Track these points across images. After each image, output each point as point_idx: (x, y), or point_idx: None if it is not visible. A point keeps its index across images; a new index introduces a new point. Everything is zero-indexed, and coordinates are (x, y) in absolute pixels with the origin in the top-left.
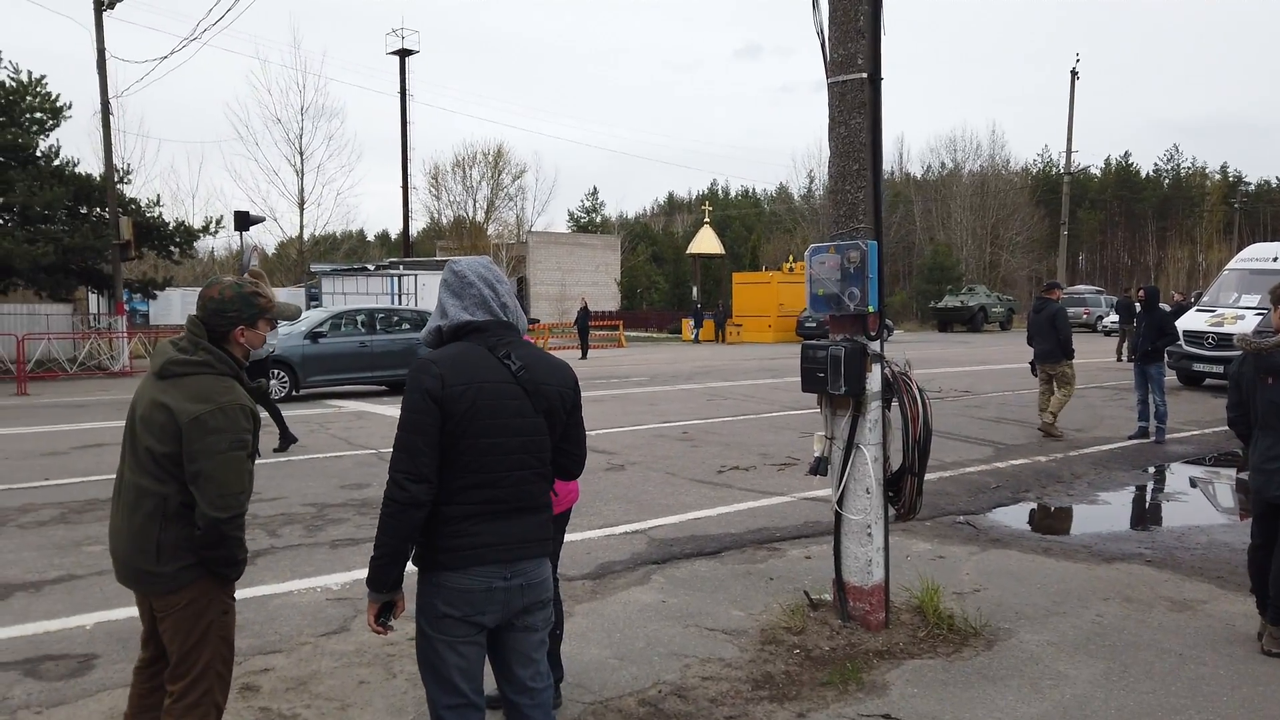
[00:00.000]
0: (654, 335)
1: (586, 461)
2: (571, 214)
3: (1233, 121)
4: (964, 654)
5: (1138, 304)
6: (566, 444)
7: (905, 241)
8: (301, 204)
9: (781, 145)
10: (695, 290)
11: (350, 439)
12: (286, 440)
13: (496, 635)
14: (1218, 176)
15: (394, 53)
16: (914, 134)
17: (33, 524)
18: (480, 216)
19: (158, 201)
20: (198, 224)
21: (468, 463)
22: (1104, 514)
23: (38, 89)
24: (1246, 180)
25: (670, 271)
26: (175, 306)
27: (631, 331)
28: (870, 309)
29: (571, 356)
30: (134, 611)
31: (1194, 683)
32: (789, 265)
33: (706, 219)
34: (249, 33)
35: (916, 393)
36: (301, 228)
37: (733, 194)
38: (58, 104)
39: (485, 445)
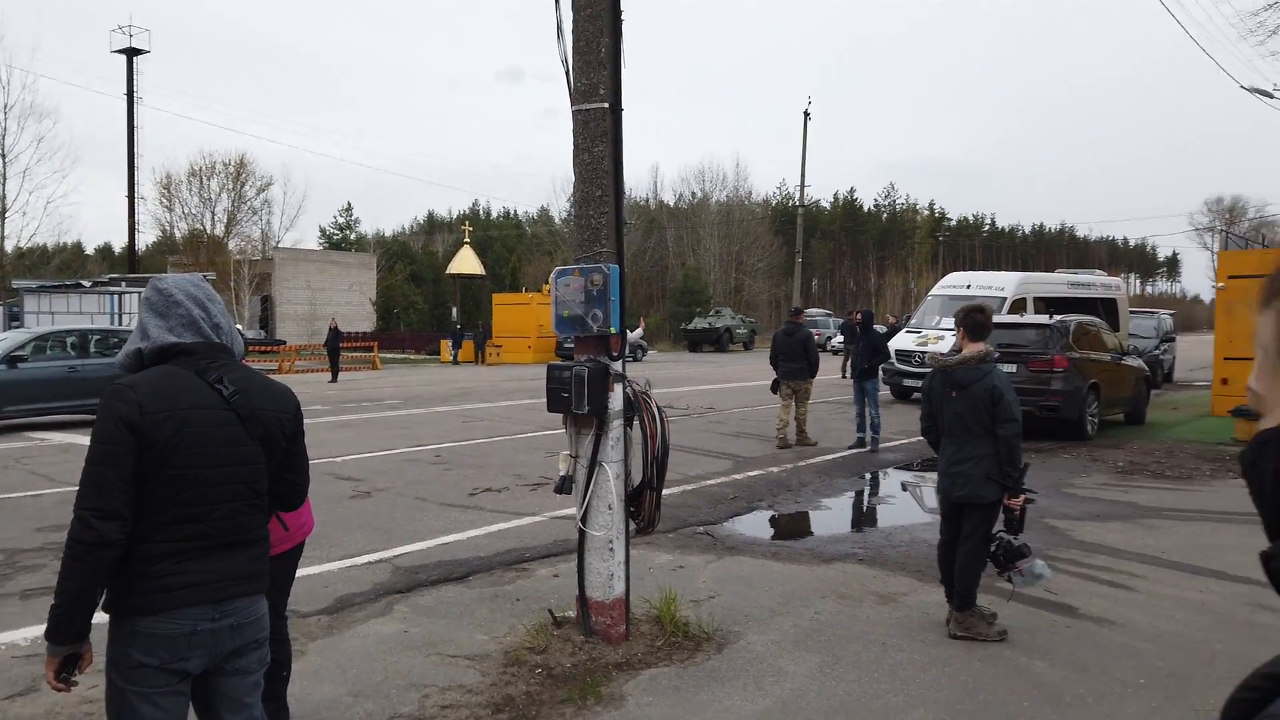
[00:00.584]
0: (411, 357)
1: (330, 490)
2: (324, 230)
3: (939, 164)
4: (697, 659)
5: (858, 326)
6: (287, 473)
7: (659, 265)
8: (2, 212)
9: (544, 169)
10: (455, 311)
11: (53, 475)
12: None
13: (204, 681)
14: (926, 213)
15: (120, 51)
16: (667, 164)
17: None
18: (220, 230)
19: None
20: None
21: (170, 496)
22: (826, 518)
23: None
24: (949, 216)
25: (430, 291)
26: None
27: (388, 353)
28: (612, 330)
29: (322, 379)
30: None
31: (894, 669)
32: (548, 287)
33: (467, 239)
34: None
35: (655, 411)
36: (2, 239)
37: (494, 215)
38: None
39: (191, 476)
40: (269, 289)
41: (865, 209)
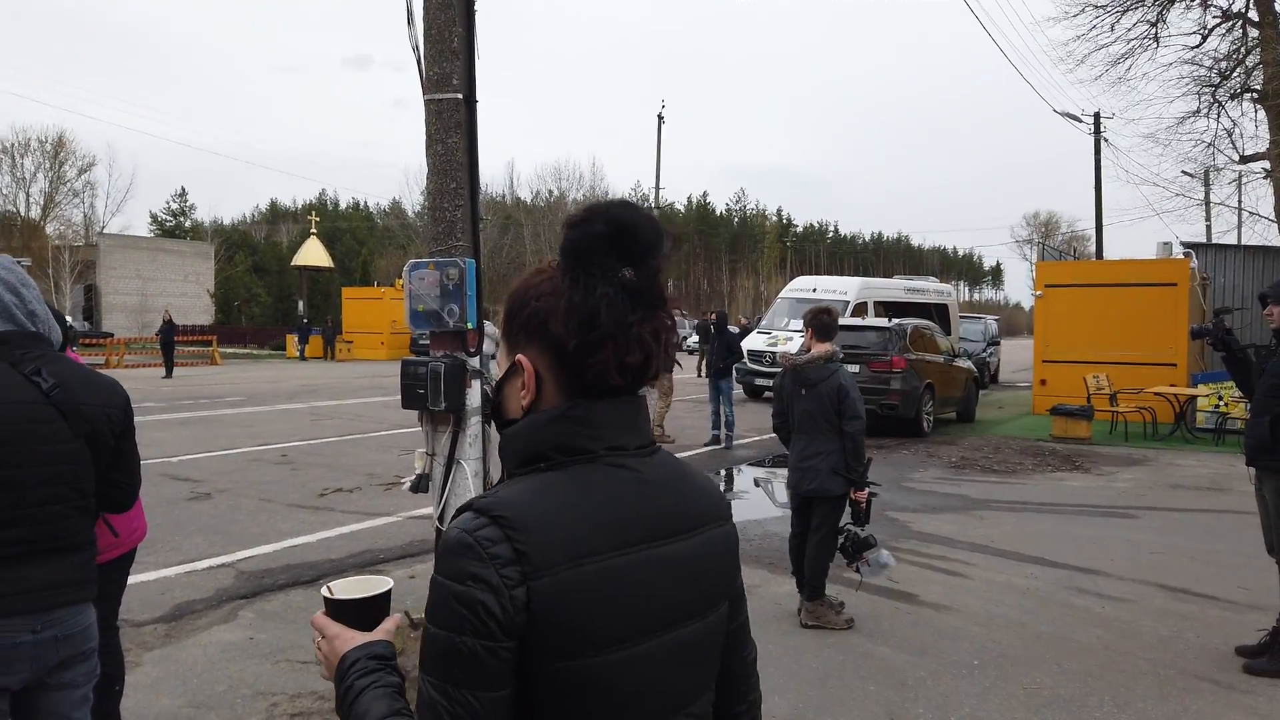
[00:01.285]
0: (255, 352)
1: (166, 492)
2: (155, 216)
3: (786, 173)
4: None
5: (712, 327)
6: (116, 472)
7: (517, 262)
8: None
9: (395, 160)
10: (301, 305)
11: None
12: None
13: (26, 697)
14: (774, 219)
15: None
16: (524, 161)
17: None
18: (36, 213)
19: None
20: None
21: None
22: None
23: None
24: (795, 223)
25: (274, 284)
26: None
27: (228, 348)
28: (469, 326)
29: (154, 374)
30: None
31: None
32: (401, 281)
33: (314, 230)
34: None
35: None
36: None
37: (343, 205)
38: None
39: (7, 477)
40: (93, 278)
41: (718, 213)
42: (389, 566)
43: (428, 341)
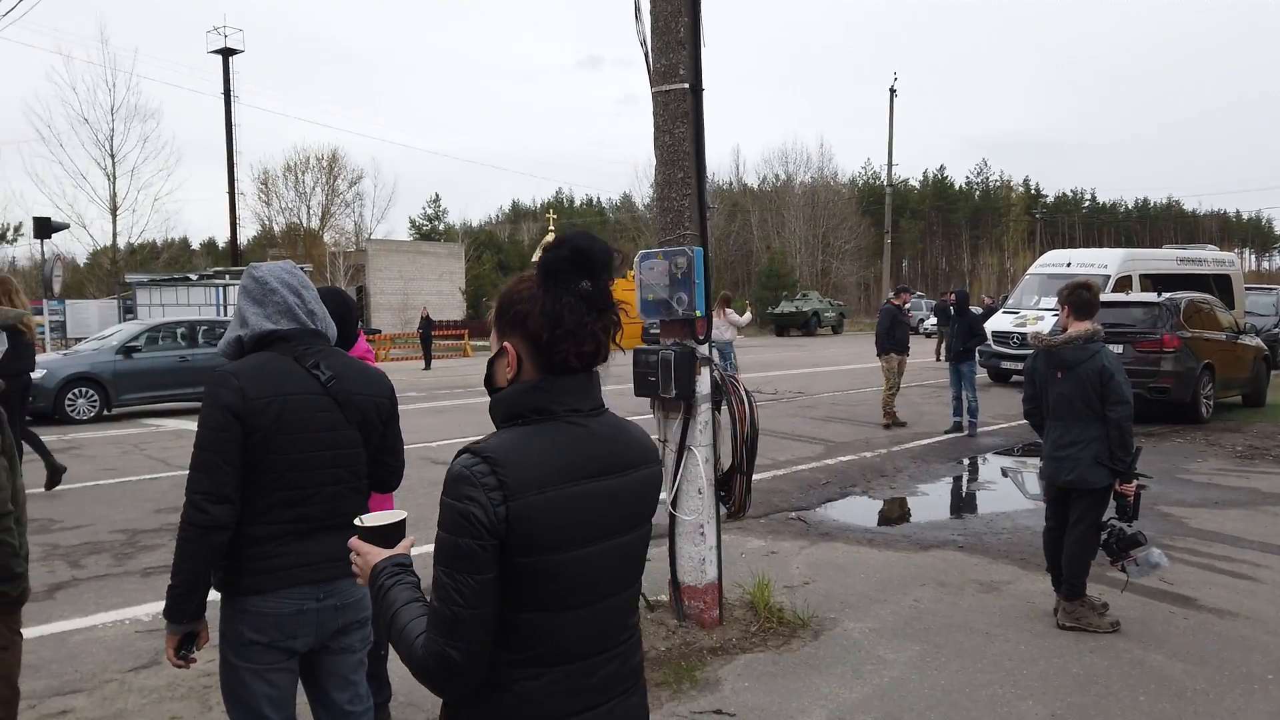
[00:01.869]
0: None
1: (427, 475)
2: (413, 221)
3: (1033, 139)
4: (793, 645)
5: (952, 308)
6: (384, 455)
7: (744, 249)
8: (114, 210)
9: (625, 155)
10: None
11: (168, 459)
12: (54, 474)
13: (310, 659)
14: (1021, 189)
15: (216, 51)
16: (749, 146)
17: None
18: (315, 224)
19: None
20: None
21: (274, 480)
22: (922, 504)
23: None
24: (1045, 193)
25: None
26: None
27: (477, 341)
28: (697, 314)
29: (415, 366)
30: None
31: (998, 659)
32: (633, 273)
33: (551, 227)
34: (48, 26)
35: (744, 394)
36: (115, 236)
37: (577, 202)
38: None
39: (293, 460)
40: (363, 280)
41: (956, 187)
42: None
43: (659, 330)
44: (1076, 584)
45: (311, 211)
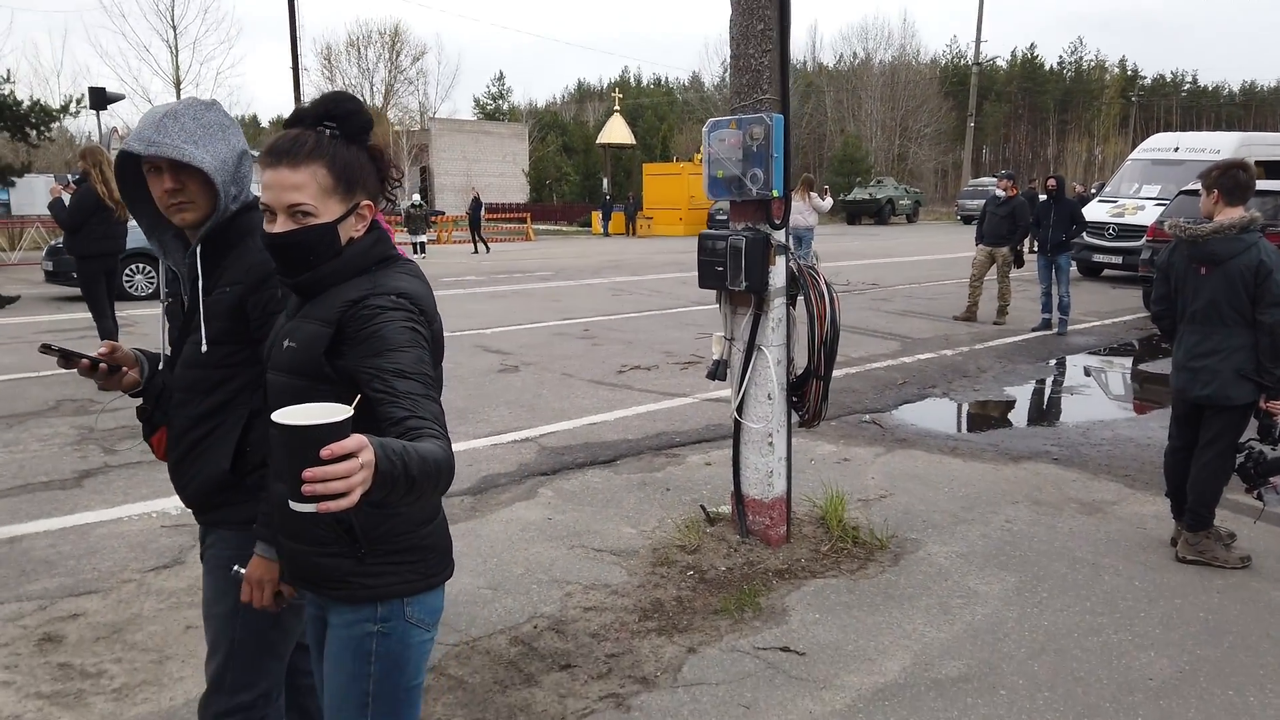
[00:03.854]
0: (563, 228)
1: (479, 363)
2: (477, 100)
3: (1134, 14)
4: (869, 570)
5: (1045, 195)
6: None
7: (817, 133)
8: (178, 83)
9: (695, 32)
10: (605, 182)
11: None
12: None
13: None
14: (1116, 70)
15: None
16: (827, 21)
17: None
18: (379, 101)
19: (8, 78)
20: (58, 104)
21: None
22: (1010, 410)
23: None
24: (1143, 74)
25: (581, 162)
26: (39, 194)
27: (540, 224)
28: (775, 193)
29: (465, 250)
30: None
31: (1110, 597)
32: (700, 156)
33: (617, 107)
34: None
35: (825, 289)
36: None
37: (645, 82)
38: None
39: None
40: (426, 160)
41: (1047, 68)
42: (685, 451)
43: (725, 216)
44: (1203, 513)
45: (375, 89)
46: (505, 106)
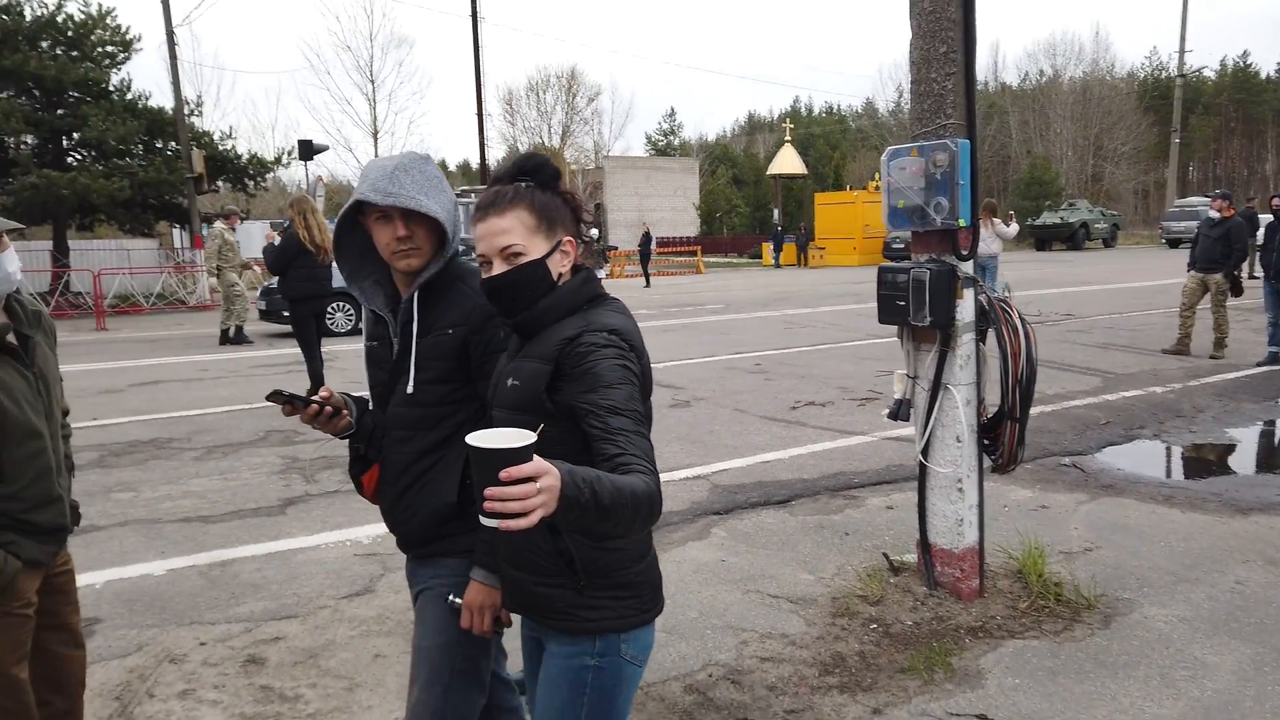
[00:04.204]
0: (733, 260)
1: (653, 398)
2: (649, 137)
3: None
4: (1075, 633)
5: (1271, 215)
6: None
7: (1000, 155)
8: (375, 133)
9: (868, 58)
10: (776, 213)
11: None
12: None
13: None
14: None
15: None
16: (1010, 41)
17: None
18: (556, 142)
19: (230, 134)
20: (272, 156)
21: None
22: (1234, 454)
23: (106, 21)
24: None
25: (751, 194)
26: (255, 239)
27: (710, 257)
28: (961, 223)
29: (636, 283)
30: (148, 569)
31: None
32: (875, 184)
33: (788, 137)
34: None
35: (1019, 323)
36: (376, 157)
37: (815, 111)
38: (127, 36)
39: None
40: (600, 197)
41: (1263, 76)
42: (864, 493)
43: (901, 246)
44: None
45: (552, 130)
46: (676, 142)
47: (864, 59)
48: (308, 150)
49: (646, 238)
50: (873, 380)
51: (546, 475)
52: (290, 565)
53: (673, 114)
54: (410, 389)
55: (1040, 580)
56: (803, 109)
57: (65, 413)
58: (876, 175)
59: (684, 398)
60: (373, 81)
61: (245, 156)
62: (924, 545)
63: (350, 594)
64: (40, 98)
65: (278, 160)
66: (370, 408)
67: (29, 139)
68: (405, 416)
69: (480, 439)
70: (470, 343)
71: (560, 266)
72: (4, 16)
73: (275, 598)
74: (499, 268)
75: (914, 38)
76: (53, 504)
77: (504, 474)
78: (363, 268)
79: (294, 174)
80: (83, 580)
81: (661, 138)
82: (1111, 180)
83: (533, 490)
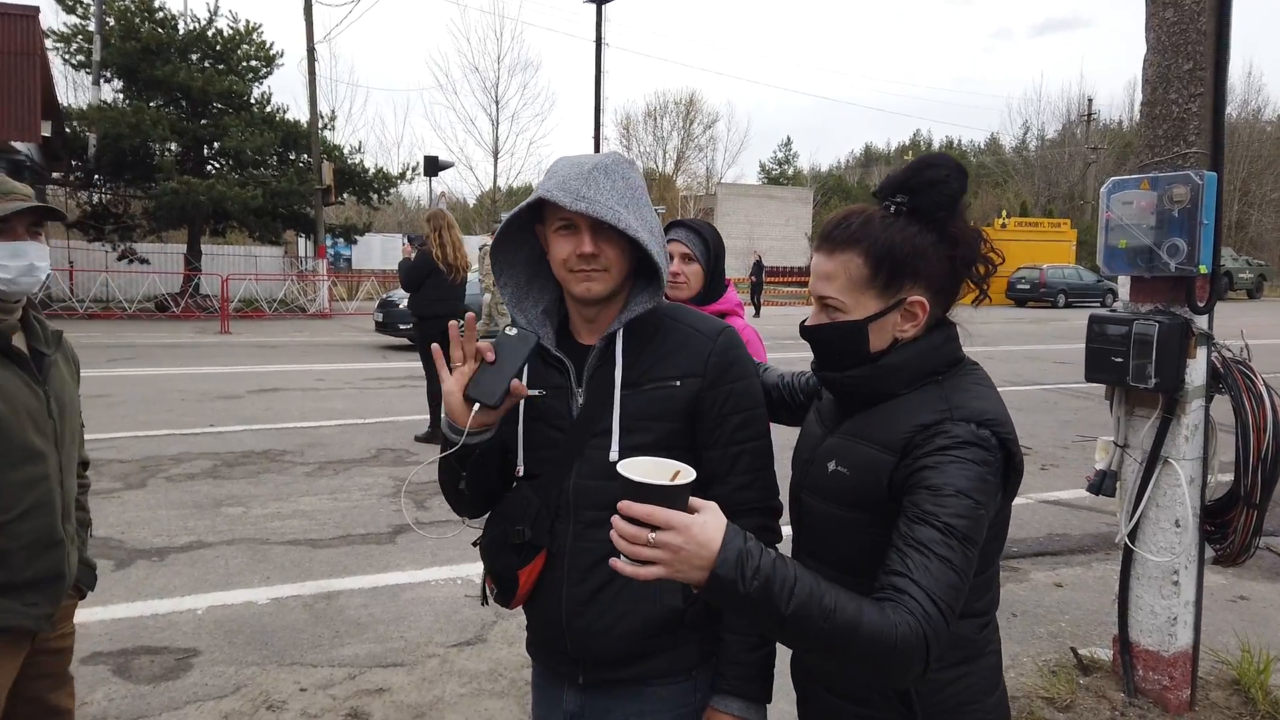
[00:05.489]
0: None
1: (778, 438)
2: (763, 165)
3: None
4: None
5: None
6: None
7: None
8: (496, 152)
9: (993, 93)
10: None
11: None
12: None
13: None
14: None
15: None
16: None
17: (181, 476)
18: (670, 168)
19: (359, 149)
20: (397, 171)
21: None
22: None
23: (253, 37)
24: None
25: None
26: (375, 252)
27: None
28: (1202, 269)
29: (750, 313)
30: (251, 596)
31: None
32: (1001, 221)
33: None
34: None
35: (1262, 390)
36: (495, 177)
37: (935, 144)
38: (270, 51)
39: None
40: (711, 223)
41: None
42: (1026, 565)
43: (1026, 287)
44: None
45: (667, 155)
46: (790, 171)
47: (989, 94)
48: (433, 166)
49: (758, 266)
50: (1047, 439)
51: (673, 532)
52: (398, 603)
53: (789, 143)
54: (614, 456)
55: (1267, 698)
56: (923, 143)
57: (85, 464)
58: (1003, 212)
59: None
60: (497, 102)
61: (371, 171)
62: (1124, 644)
63: (460, 642)
64: (186, 107)
65: (402, 175)
66: (521, 475)
67: (173, 146)
68: (604, 492)
69: (633, 467)
70: (704, 399)
71: (897, 330)
72: (159, 30)
73: (381, 640)
74: (814, 316)
75: (1150, 53)
76: (50, 549)
77: (622, 505)
78: (529, 292)
79: (415, 190)
80: (185, 604)
81: (775, 166)
82: (1258, 228)
83: (642, 537)
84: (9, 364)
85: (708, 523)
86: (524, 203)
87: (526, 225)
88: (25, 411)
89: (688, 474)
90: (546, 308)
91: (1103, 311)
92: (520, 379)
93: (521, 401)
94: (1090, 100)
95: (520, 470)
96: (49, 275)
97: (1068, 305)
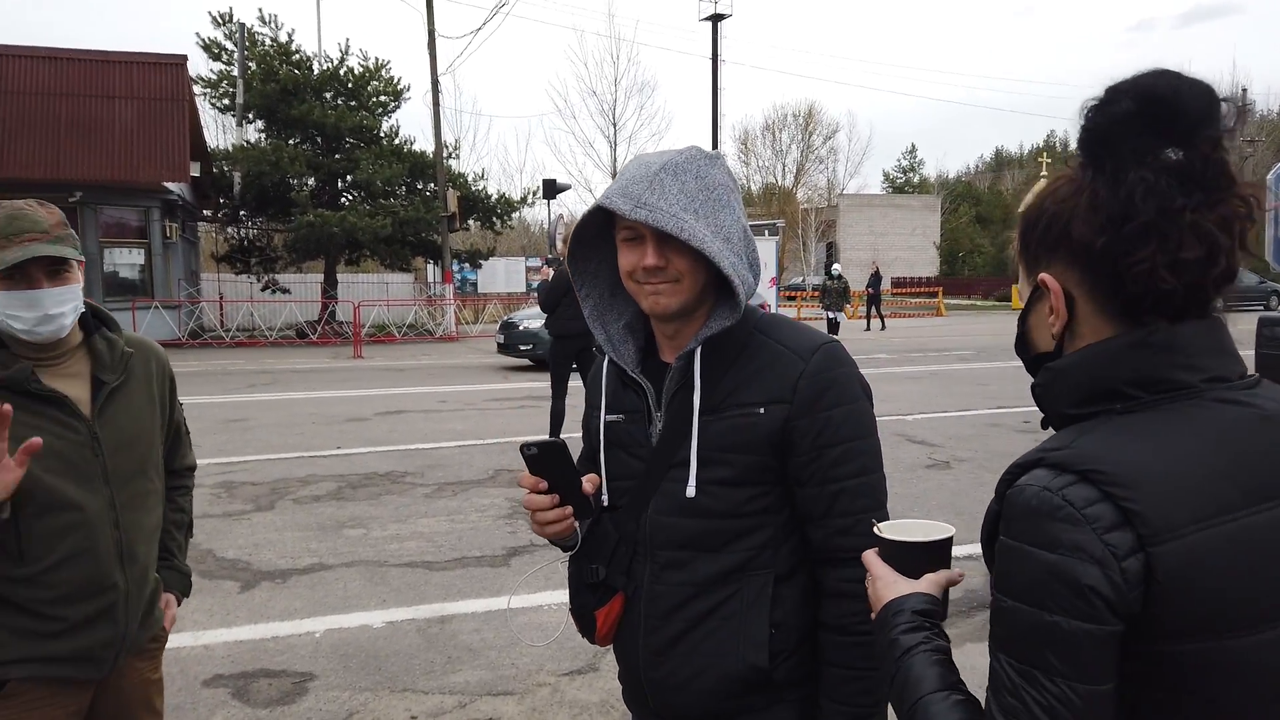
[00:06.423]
0: (978, 303)
1: (902, 455)
2: (886, 174)
3: None
4: None
5: None
6: None
7: None
8: (614, 174)
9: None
10: None
11: None
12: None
13: None
14: None
15: (706, 19)
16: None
17: (308, 498)
18: (789, 181)
19: (483, 175)
20: (518, 196)
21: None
22: None
23: (381, 73)
24: None
25: (997, 234)
26: (499, 275)
27: (951, 299)
28: None
29: (858, 326)
30: (368, 619)
31: None
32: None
33: (1044, 173)
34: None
35: None
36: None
37: (1073, 146)
38: (398, 86)
39: None
40: (833, 235)
41: None
42: None
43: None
44: None
45: (786, 169)
46: (915, 179)
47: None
48: (551, 189)
49: (875, 277)
50: None
51: (876, 582)
52: (510, 628)
53: (913, 150)
54: (691, 491)
55: None
56: (1058, 144)
57: (190, 469)
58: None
59: (941, 457)
60: (614, 124)
61: (494, 196)
62: None
63: (572, 670)
64: (321, 144)
65: (523, 200)
66: (606, 506)
67: (310, 181)
68: (680, 530)
69: (894, 530)
70: (794, 429)
71: (1049, 325)
72: (296, 71)
73: (492, 667)
74: None
75: None
76: (96, 596)
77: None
78: (612, 305)
79: (537, 213)
80: (304, 626)
81: (900, 175)
82: None
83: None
84: (37, 405)
85: (887, 580)
86: (588, 209)
87: (604, 232)
88: (54, 456)
89: (948, 530)
90: (629, 322)
91: (1273, 314)
92: (578, 477)
93: (602, 425)
94: (1244, 90)
95: (605, 500)
96: (77, 315)
97: (1226, 310)
